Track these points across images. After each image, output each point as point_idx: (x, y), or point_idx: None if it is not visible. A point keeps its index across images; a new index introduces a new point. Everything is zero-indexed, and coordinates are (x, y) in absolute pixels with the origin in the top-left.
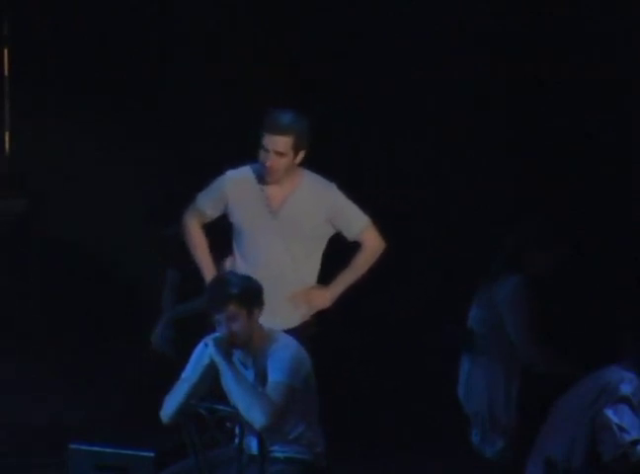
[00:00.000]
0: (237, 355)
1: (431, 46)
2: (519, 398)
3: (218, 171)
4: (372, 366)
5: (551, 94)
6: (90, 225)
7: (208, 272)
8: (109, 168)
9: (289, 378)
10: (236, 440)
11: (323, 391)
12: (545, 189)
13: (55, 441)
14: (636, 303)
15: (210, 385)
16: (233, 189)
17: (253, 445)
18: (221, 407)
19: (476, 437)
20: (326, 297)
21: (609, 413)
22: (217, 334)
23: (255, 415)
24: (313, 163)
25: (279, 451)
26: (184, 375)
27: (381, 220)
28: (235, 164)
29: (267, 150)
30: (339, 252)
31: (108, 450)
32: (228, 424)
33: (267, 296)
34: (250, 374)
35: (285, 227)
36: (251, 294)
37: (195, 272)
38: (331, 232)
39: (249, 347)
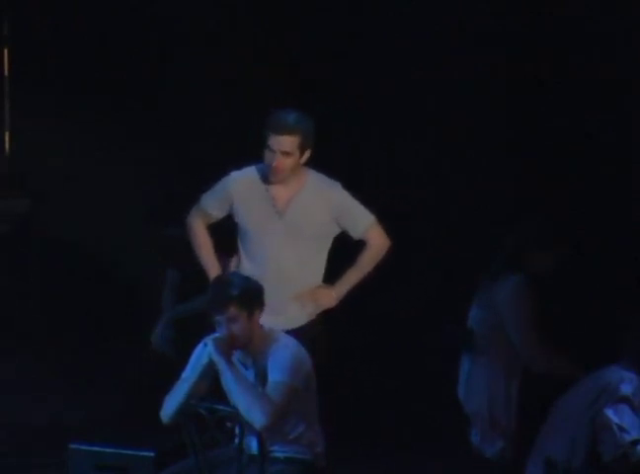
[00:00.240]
0: (237, 355)
1: (431, 46)
2: (519, 398)
3: (218, 171)
4: (372, 366)
5: (551, 94)
6: (90, 225)
7: (214, 272)
8: (109, 168)
9: (289, 378)
10: (236, 440)
11: (323, 391)
12: (545, 189)
13: (55, 441)
14: (636, 303)
15: (210, 385)
16: (238, 189)
17: (253, 445)
18: (221, 407)
19: (476, 437)
20: (332, 296)
21: (610, 413)
22: (217, 334)
23: (255, 415)
24: (313, 163)
25: (279, 451)
26: (184, 375)
27: (381, 220)
28: (235, 164)
29: (272, 150)
30: (343, 251)
31: (108, 450)
32: (228, 424)
33: (273, 296)
34: (250, 374)
35: (291, 227)
36: (252, 296)
37: (195, 272)
38: (336, 231)
39: (249, 347)
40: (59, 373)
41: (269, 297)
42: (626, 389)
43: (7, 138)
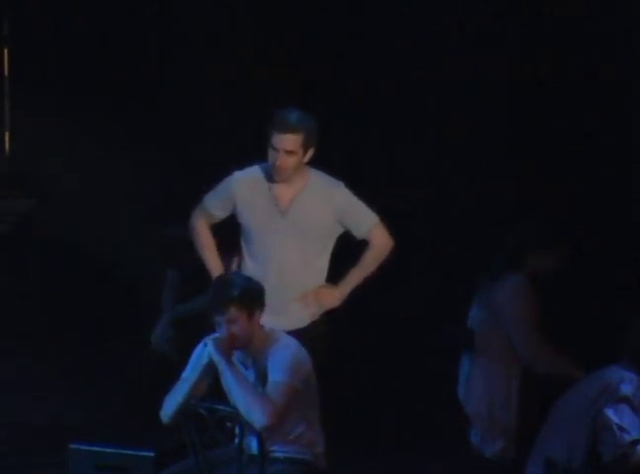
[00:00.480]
0: (237, 355)
1: (431, 46)
2: (519, 398)
3: (218, 171)
4: (372, 366)
5: (551, 94)
6: (90, 225)
7: (217, 273)
8: (109, 168)
9: (290, 378)
10: (236, 440)
11: (323, 391)
12: (545, 189)
13: (55, 441)
14: (636, 303)
15: (210, 385)
16: (241, 189)
17: (253, 445)
18: (221, 407)
19: (476, 437)
20: (336, 296)
21: (610, 413)
22: (217, 334)
23: (255, 415)
24: (313, 163)
25: (279, 451)
26: (184, 375)
27: (381, 220)
28: (235, 164)
29: (276, 149)
30: (346, 251)
31: (108, 450)
32: (228, 424)
33: (276, 296)
34: (250, 374)
35: (295, 226)
36: (252, 296)
37: (195, 271)
38: (340, 231)
39: (249, 347)
40: (59, 373)
41: (271, 298)
42: (626, 389)
43: (7, 138)
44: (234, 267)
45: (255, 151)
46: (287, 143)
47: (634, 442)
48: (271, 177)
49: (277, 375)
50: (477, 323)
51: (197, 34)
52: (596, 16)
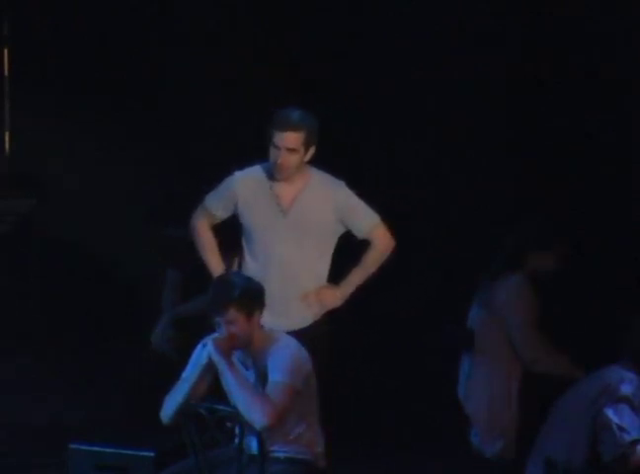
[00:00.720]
0: (237, 355)
1: (431, 46)
2: (519, 398)
3: (218, 171)
4: (372, 366)
5: (551, 94)
6: (90, 225)
7: (218, 274)
8: (109, 168)
9: (290, 378)
10: (236, 440)
11: (324, 391)
12: (545, 189)
13: (55, 441)
14: (636, 303)
15: (210, 385)
16: (242, 189)
17: (253, 445)
18: (221, 407)
19: (476, 437)
20: (337, 296)
21: (609, 413)
22: (217, 334)
23: (255, 415)
24: (313, 163)
25: (279, 451)
26: (184, 375)
27: (382, 220)
28: (235, 164)
29: (277, 147)
30: (348, 251)
31: (108, 450)
32: (228, 424)
33: (277, 296)
34: (250, 375)
35: (296, 226)
36: (251, 297)
37: (195, 271)
38: (341, 230)
39: (249, 347)
40: (59, 373)
41: (272, 298)
42: (626, 389)
43: (7, 138)
44: (235, 267)
45: (255, 151)
46: (289, 141)
47: (634, 442)
48: (272, 176)
49: (277, 375)
50: (477, 323)
51: (197, 34)
52: (596, 16)
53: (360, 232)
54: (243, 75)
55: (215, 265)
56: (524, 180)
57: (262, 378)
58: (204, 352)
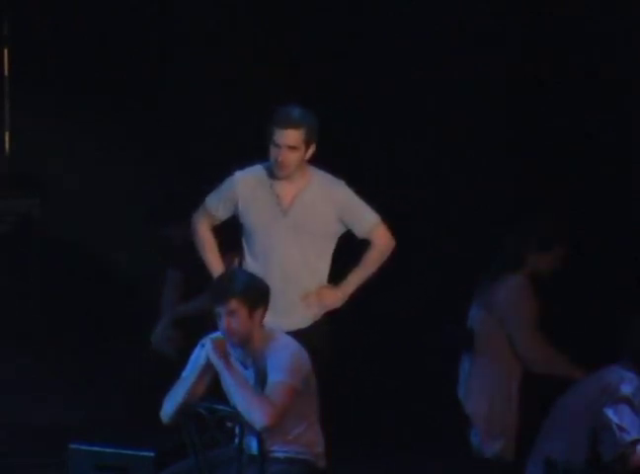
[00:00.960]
0: (236, 354)
1: (431, 46)
2: (519, 398)
3: (218, 171)
4: (372, 366)
5: (551, 94)
6: (90, 225)
7: (218, 274)
8: (109, 168)
9: (289, 378)
10: (236, 440)
11: (323, 391)
12: (545, 189)
13: (55, 441)
14: (636, 303)
15: (210, 385)
16: (243, 189)
17: (253, 445)
18: (221, 407)
19: (476, 437)
20: (338, 296)
21: (609, 413)
22: (216, 334)
23: (255, 415)
24: (313, 163)
25: (279, 451)
26: (184, 375)
27: (382, 220)
28: (235, 164)
29: (278, 145)
30: (348, 251)
31: (108, 450)
32: (228, 424)
33: (278, 297)
34: (250, 374)
35: (296, 225)
36: (255, 293)
37: (195, 271)
38: (341, 230)
39: (249, 346)
40: (59, 373)
41: (273, 297)
42: (626, 389)
43: (7, 138)
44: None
45: (255, 151)
46: (289, 138)
47: (634, 442)
48: (273, 175)
49: (277, 375)
50: (477, 323)
51: (197, 34)
52: (596, 16)
53: (360, 232)
54: (243, 75)
55: (216, 265)
56: (524, 180)
57: (261, 378)
58: (203, 352)
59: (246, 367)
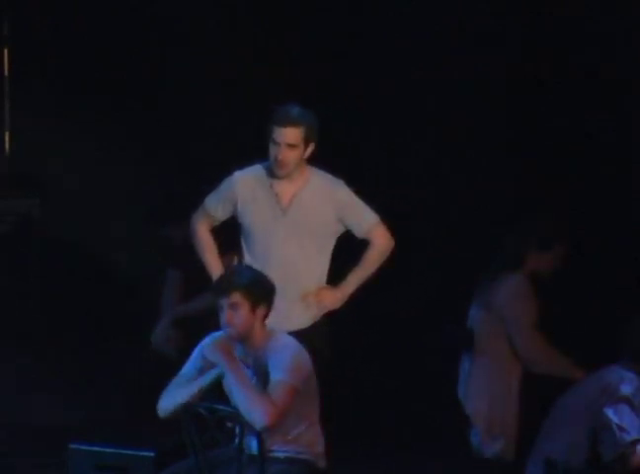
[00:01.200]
0: (237, 352)
1: (431, 46)
2: (519, 398)
3: (218, 171)
4: (372, 366)
5: (551, 94)
6: (90, 225)
7: (218, 275)
8: (109, 168)
9: (291, 377)
10: (236, 440)
11: (323, 391)
12: (545, 189)
13: (55, 441)
14: (636, 303)
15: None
16: (242, 188)
17: (253, 445)
18: (221, 407)
19: (476, 437)
20: (337, 297)
21: (609, 413)
22: (218, 333)
23: (256, 415)
24: (313, 163)
25: (279, 451)
26: (183, 371)
27: (381, 220)
28: (235, 164)
29: (277, 143)
30: (346, 252)
31: (108, 450)
32: (228, 424)
33: (279, 296)
34: (250, 373)
35: (296, 224)
36: (259, 289)
37: (195, 271)
38: (341, 229)
39: (249, 343)
40: (59, 373)
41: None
42: (626, 389)
43: (7, 138)
44: None
45: (255, 151)
46: (289, 137)
47: (634, 442)
48: (272, 175)
49: (278, 375)
50: (477, 323)
51: (197, 34)
52: (596, 16)
53: (358, 231)
54: (243, 75)
55: (215, 266)
56: (524, 180)
57: (262, 377)
58: (205, 352)
59: (247, 366)
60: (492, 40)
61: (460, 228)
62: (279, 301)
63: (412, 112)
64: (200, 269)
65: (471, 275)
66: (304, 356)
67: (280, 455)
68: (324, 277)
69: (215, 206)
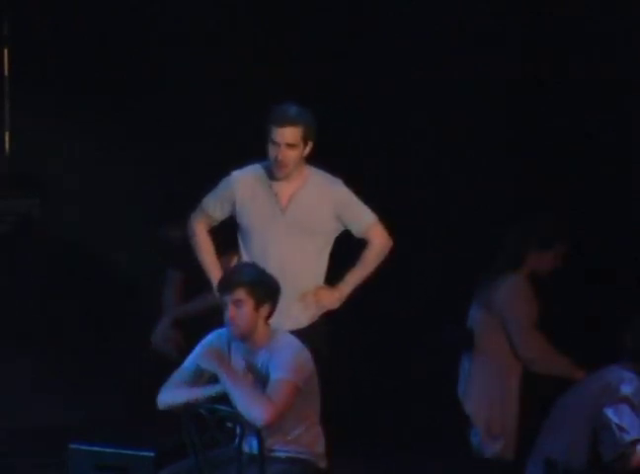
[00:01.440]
0: (240, 350)
1: (431, 46)
2: (519, 398)
3: (218, 171)
4: (372, 366)
5: (551, 94)
6: (90, 225)
7: (216, 276)
8: (109, 168)
9: (292, 376)
10: (236, 440)
11: (323, 391)
12: (545, 189)
13: (55, 441)
14: (636, 303)
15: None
16: (241, 188)
17: (254, 445)
18: (221, 407)
19: (476, 437)
20: (335, 297)
21: (609, 413)
22: (222, 329)
23: (254, 412)
24: (313, 162)
25: (279, 451)
26: (185, 365)
27: (381, 220)
28: (235, 164)
29: (277, 143)
30: (345, 253)
31: (108, 450)
32: (228, 424)
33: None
34: (252, 371)
35: (294, 224)
36: (264, 287)
37: (195, 271)
38: (339, 229)
39: (251, 341)
40: (59, 373)
41: None
42: (626, 389)
43: (7, 138)
44: None
45: (255, 151)
46: (288, 136)
47: (634, 442)
48: (270, 174)
49: (279, 373)
50: (477, 323)
51: (197, 34)
52: (596, 16)
53: (357, 231)
54: (243, 75)
55: (213, 267)
56: (524, 180)
57: (264, 375)
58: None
59: (249, 365)
60: (492, 40)
61: (460, 228)
62: (280, 300)
63: (412, 112)
64: (201, 269)
65: (471, 275)
66: (306, 356)
67: (281, 455)
68: (322, 277)
69: (214, 206)
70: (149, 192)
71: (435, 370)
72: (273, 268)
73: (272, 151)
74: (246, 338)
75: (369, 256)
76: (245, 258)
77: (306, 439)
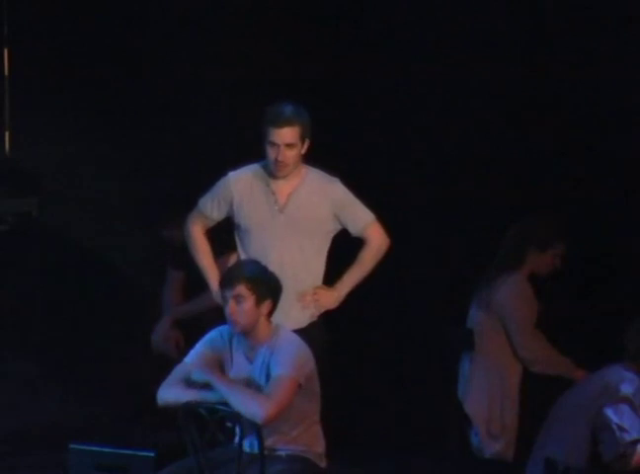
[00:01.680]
0: (242, 347)
1: (431, 46)
2: (519, 398)
3: (218, 171)
4: (372, 366)
5: (551, 94)
6: (90, 225)
7: (213, 277)
8: (109, 168)
9: (293, 372)
10: (236, 440)
11: (323, 391)
12: (545, 189)
13: (55, 441)
14: (636, 303)
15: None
16: (239, 188)
17: (254, 444)
18: (221, 407)
19: (476, 437)
20: (334, 297)
21: (609, 412)
22: (225, 326)
23: (252, 409)
24: (313, 162)
25: (280, 450)
26: (187, 359)
27: (381, 220)
28: (235, 164)
29: (275, 144)
30: (343, 253)
31: (108, 450)
32: (228, 424)
33: None
34: (254, 368)
35: (293, 223)
36: (265, 284)
37: (195, 271)
38: (337, 228)
39: (252, 337)
40: (59, 373)
41: None
42: (627, 389)
43: (7, 138)
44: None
45: (255, 151)
46: (287, 137)
47: (634, 442)
48: (268, 174)
49: (280, 369)
50: (476, 323)
51: (197, 33)
52: (596, 16)
53: (354, 229)
54: (243, 75)
55: (209, 268)
56: (524, 180)
57: (265, 372)
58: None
59: (250, 361)
60: (492, 41)
61: (460, 228)
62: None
63: (412, 112)
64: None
65: (471, 274)
66: (308, 354)
67: (282, 454)
68: (321, 276)
69: (210, 207)
70: (149, 191)
71: (435, 370)
72: (272, 267)
73: (270, 152)
74: (247, 334)
75: (367, 255)
76: (243, 257)
77: (306, 438)
